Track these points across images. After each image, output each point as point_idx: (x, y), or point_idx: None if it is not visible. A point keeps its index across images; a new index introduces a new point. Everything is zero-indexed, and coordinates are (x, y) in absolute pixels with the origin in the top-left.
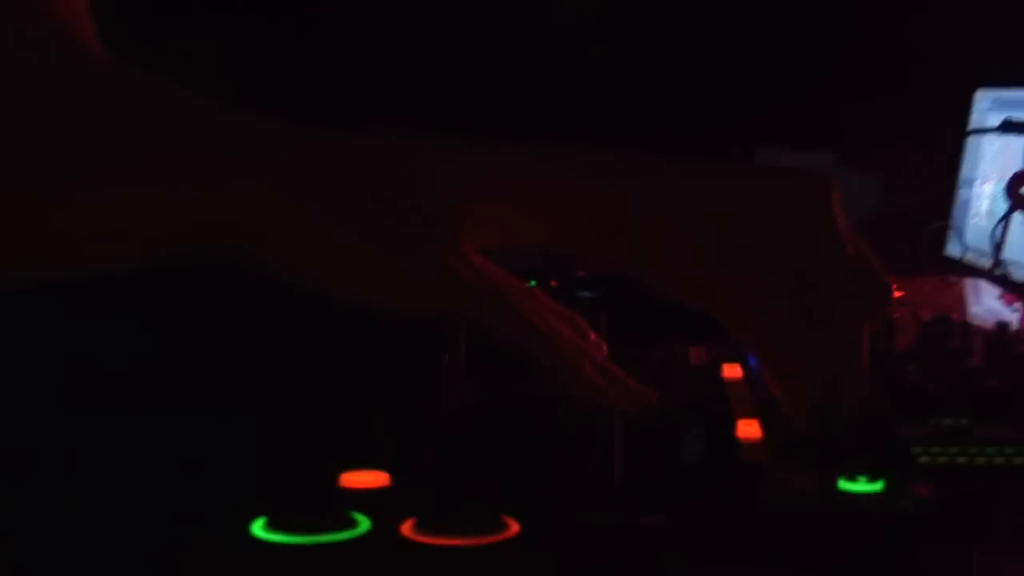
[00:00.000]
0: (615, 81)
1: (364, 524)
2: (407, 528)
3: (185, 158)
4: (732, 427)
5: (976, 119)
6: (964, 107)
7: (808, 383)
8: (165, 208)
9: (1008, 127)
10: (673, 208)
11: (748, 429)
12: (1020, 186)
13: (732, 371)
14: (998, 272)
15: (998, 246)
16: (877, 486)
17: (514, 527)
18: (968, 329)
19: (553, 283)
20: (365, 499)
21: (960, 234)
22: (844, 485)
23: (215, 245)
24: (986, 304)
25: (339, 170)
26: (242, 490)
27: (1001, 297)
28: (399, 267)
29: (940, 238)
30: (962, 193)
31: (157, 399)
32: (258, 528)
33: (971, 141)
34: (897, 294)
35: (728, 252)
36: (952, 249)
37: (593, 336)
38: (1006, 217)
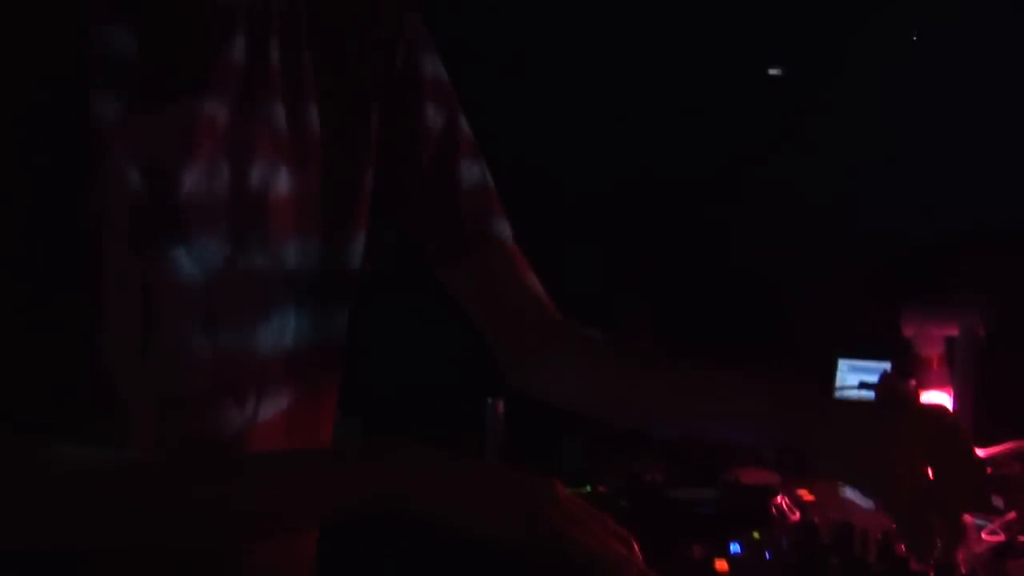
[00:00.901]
0: None
1: None
2: None
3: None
4: None
5: (839, 378)
6: (831, 370)
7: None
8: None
9: (863, 386)
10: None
11: None
12: None
13: (721, 565)
14: None
15: None
16: None
17: None
18: (864, 532)
19: (601, 488)
20: None
21: None
22: None
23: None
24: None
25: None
26: None
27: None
28: (512, 518)
29: None
30: None
31: None
32: None
33: (838, 394)
34: (809, 498)
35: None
36: None
37: (635, 546)
38: None
